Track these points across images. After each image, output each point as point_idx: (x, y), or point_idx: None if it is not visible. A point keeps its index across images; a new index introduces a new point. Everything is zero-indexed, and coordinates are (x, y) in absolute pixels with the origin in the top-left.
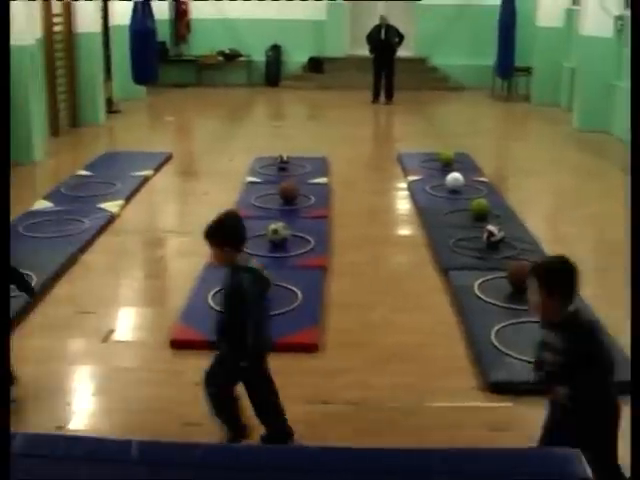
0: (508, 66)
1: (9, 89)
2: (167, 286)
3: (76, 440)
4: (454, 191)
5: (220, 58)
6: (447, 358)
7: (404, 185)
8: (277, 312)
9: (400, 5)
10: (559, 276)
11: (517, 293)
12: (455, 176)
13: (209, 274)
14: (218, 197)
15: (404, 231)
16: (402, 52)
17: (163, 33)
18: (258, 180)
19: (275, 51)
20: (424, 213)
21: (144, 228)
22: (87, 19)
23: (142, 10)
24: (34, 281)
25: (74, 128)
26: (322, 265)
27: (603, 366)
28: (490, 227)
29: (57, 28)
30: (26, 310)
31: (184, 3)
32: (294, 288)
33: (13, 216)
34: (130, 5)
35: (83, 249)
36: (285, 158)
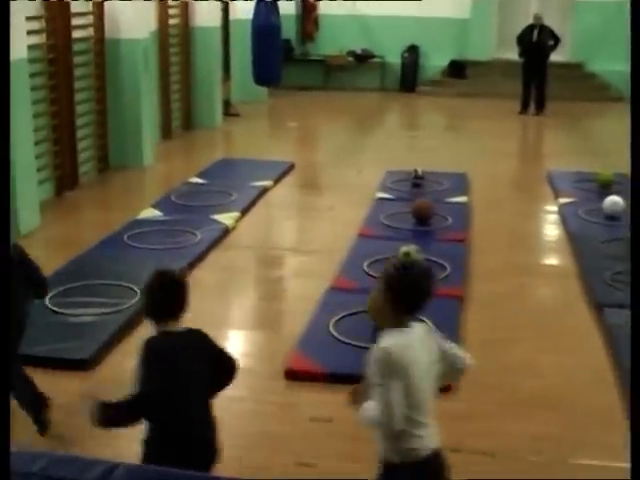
0: None
1: (9, 88)
2: (284, 309)
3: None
4: (612, 217)
5: (350, 59)
6: (597, 408)
7: (554, 208)
8: None
9: (557, 2)
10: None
11: None
12: (614, 200)
13: (331, 298)
14: (344, 213)
15: (552, 260)
16: (555, 56)
17: (288, 30)
18: (389, 196)
19: (412, 52)
20: (576, 240)
21: (260, 244)
22: (206, 12)
23: (267, 4)
24: (137, 296)
25: (188, 131)
26: (458, 295)
27: None
28: None
29: (172, 21)
30: (130, 326)
31: None
32: (426, 319)
33: (118, 224)
34: None
35: (193, 264)
36: (420, 173)
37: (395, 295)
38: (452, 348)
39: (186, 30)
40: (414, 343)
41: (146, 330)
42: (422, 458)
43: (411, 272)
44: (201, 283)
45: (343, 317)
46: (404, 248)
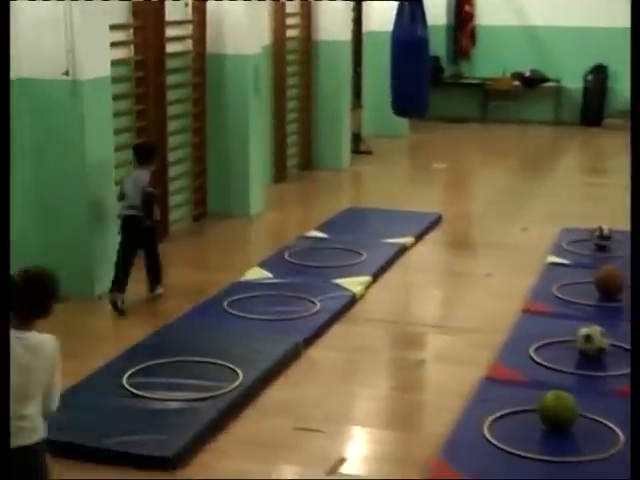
0: None
1: (9, 86)
2: (424, 403)
3: None
4: None
5: (516, 83)
6: None
7: None
8: (586, 458)
9: None
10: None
11: None
12: None
13: (487, 392)
14: (504, 282)
15: None
16: None
17: (437, 45)
18: (564, 261)
19: (598, 75)
20: None
21: (396, 318)
22: (333, 22)
23: (410, 12)
24: (239, 378)
25: (306, 172)
26: None
27: None
28: None
29: (291, 33)
30: (227, 416)
31: (468, 1)
32: (612, 425)
33: (216, 286)
34: (393, 5)
35: (310, 340)
36: (606, 232)
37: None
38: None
39: (308, 45)
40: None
41: (246, 420)
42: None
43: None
44: (320, 364)
45: (502, 417)
46: (584, 330)
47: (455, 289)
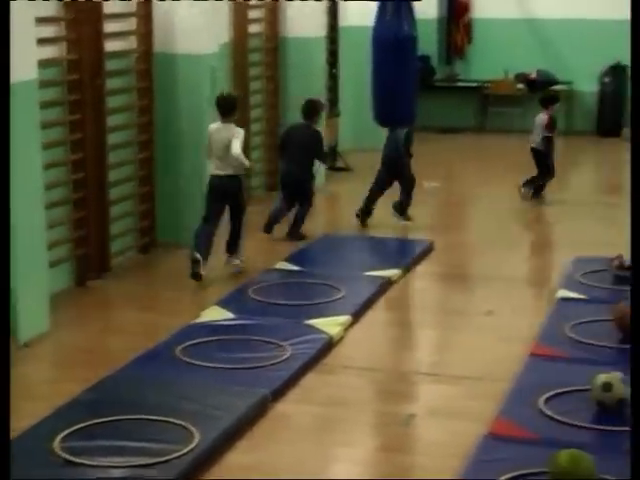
0: None
1: (9, 86)
2: (415, 466)
3: None
4: None
5: (520, 86)
6: None
7: None
8: None
9: None
10: None
11: None
12: None
13: (490, 452)
14: (507, 321)
15: None
16: None
17: (427, 42)
18: (578, 296)
19: (616, 76)
20: None
21: (380, 365)
22: (303, 15)
23: (395, 4)
24: (195, 440)
25: (274, 192)
26: None
27: None
28: None
29: (254, 28)
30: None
31: None
32: None
33: (167, 329)
34: None
35: (278, 393)
36: (627, 261)
37: None
38: None
39: (274, 42)
40: None
41: None
42: None
43: None
44: (290, 422)
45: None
46: (603, 377)
47: (450, 330)
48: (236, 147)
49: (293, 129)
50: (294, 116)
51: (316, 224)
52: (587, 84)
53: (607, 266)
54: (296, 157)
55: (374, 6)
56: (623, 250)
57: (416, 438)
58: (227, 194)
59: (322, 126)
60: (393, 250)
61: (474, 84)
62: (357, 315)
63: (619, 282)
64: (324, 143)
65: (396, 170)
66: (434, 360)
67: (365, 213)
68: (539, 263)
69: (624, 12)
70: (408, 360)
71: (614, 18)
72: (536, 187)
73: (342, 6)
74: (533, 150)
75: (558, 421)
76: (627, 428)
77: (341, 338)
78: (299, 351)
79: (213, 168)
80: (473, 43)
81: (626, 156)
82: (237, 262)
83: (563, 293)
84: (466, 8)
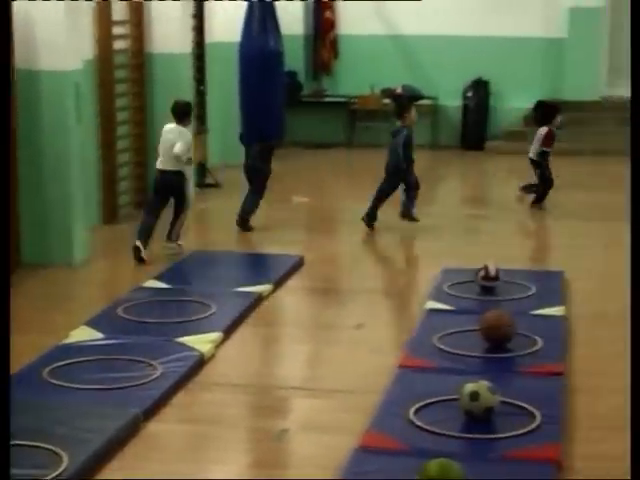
0: None
1: (9, 85)
2: None
3: None
4: None
5: (387, 101)
6: None
7: None
8: None
9: None
10: None
11: None
12: None
13: (361, 464)
14: (377, 334)
15: None
16: None
17: (294, 58)
18: (446, 307)
19: (479, 91)
20: None
21: (253, 381)
22: (169, 31)
23: (261, 20)
24: (63, 463)
25: (135, 210)
26: (554, 459)
27: None
28: None
29: (119, 45)
30: None
31: (329, 7)
32: None
33: (35, 352)
34: (240, 11)
35: (150, 412)
36: (493, 272)
37: None
38: None
39: (140, 59)
40: None
41: None
42: None
43: None
44: (162, 441)
45: None
46: (470, 386)
47: (322, 344)
48: (177, 147)
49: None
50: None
51: (185, 241)
52: (451, 99)
53: (473, 277)
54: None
55: (241, 22)
56: (489, 261)
57: (289, 453)
58: (168, 188)
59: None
60: (263, 265)
61: (341, 99)
62: (228, 331)
63: (485, 292)
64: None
65: (399, 176)
66: (306, 375)
67: (371, 218)
68: (408, 275)
69: (485, 29)
70: (280, 375)
71: (476, 34)
72: (537, 196)
73: (208, 22)
74: (531, 160)
75: (428, 431)
76: (494, 436)
77: (212, 355)
78: (170, 369)
79: (158, 163)
80: (339, 59)
81: (490, 168)
82: (172, 246)
83: (431, 305)
84: (332, 25)
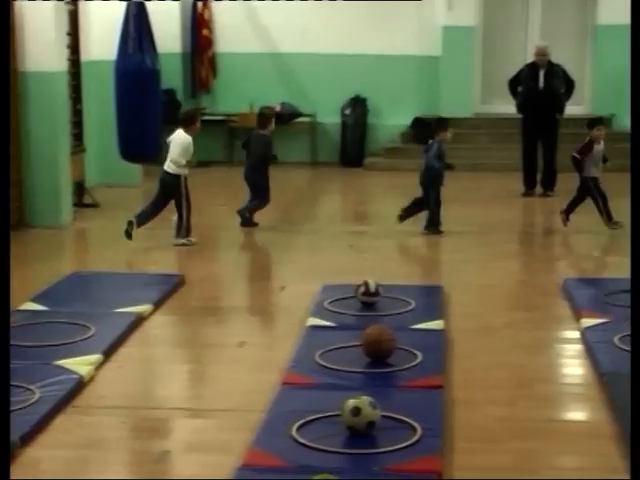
0: None
1: (9, 89)
2: None
3: None
4: None
5: None
6: None
7: (575, 335)
8: None
9: (567, 28)
10: None
11: None
12: None
13: None
14: (260, 351)
15: (575, 414)
16: (568, 108)
17: (171, 76)
18: (327, 323)
19: (357, 108)
20: (611, 383)
21: (134, 402)
22: (42, 48)
23: (137, 38)
24: None
25: (16, 232)
26: (435, 471)
27: None
28: None
29: None
30: None
31: (206, 25)
32: None
33: None
34: (115, 28)
35: (27, 438)
36: (373, 287)
37: None
38: None
39: (12, 77)
40: None
41: None
42: None
43: None
44: (41, 468)
45: None
46: (352, 401)
47: (203, 364)
48: (172, 152)
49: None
50: (37, 152)
51: (63, 262)
52: (329, 116)
53: (354, 293)
54: None
55: (117, 40)
56: (369, 277)
57: (171, 474)
58: (166, 188)
59: (66, 163)
60: (144, 285)
61: (221, 117)
62: (108, 353)
63: (366, 308)
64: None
65: (437, 184)
66: (187, 394)
67: (437, 223)
68: (290, 292)
69: (363, 47)
70: (161, 396)
71: (353, 52)
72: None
73: (84, 40)
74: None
75: (311, 447)
76: (377, 450)
77: (92, 377)
78: (48, 393)
79: (164, 164)
80: (218, 77)
81: (368, 184)
82: (182, 241)
83: (313, 321)
84: (209, 42)
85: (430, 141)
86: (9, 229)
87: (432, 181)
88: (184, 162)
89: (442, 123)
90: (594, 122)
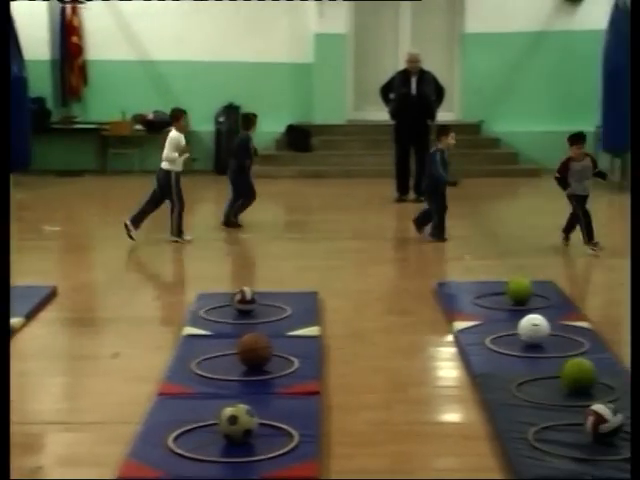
0: (621, 134)
1: (9, 89)
2: None
3: None
4: (533, 346)
5: (138, 127)
6: None
7: (448, 338)
8: None
9: (435, 36)
10: None
11: None
12: (534, 320)
13: None
14: (135, 361)
15: (449, 415)
16: (441, 115)
17: (40, 84)
18: (203, 332)
19: (231, 116)
20: (483, 384)
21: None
22: None
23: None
24: None
25: None
26: (312, 477)
27: None
28: (598, 407)
29: None
30: None
31: (76, 32)
32: None
33: None
34: None
35: None
36: (249, 295)
37: None
38: None
39: None
40: None
41: None
42: None
43: None
44: None
45: None
46: (229, 410)
47: (77, 376)
48: (165, 149)
49: None
50: None
51: None
52: (203, 124)
53: (229, 301)
54: None
55: None
56: (244, 284)
57: None
58: (158, 182)
59: None
60: (14, 298)
61: (92, 126)
62: None
63: (242, 316)
64: None
65: (441, 191)
66: (61, 408)
67: (443, 230)
68: (167, 301)
69: (236, 54)
70: (34, 410)
71: (226, 60)
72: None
73: None
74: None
75: (187, 458)
76: (254, 458)
77: None
78: None
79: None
80: (89, 85)
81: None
82: (175, 239)
83: (188, 330)
84: (79, 50)
85: (432, 149)
86: (9, 228)
87: (436, 189)
88: (176, 155)
89: (444, 130)
90: (572, 140)
